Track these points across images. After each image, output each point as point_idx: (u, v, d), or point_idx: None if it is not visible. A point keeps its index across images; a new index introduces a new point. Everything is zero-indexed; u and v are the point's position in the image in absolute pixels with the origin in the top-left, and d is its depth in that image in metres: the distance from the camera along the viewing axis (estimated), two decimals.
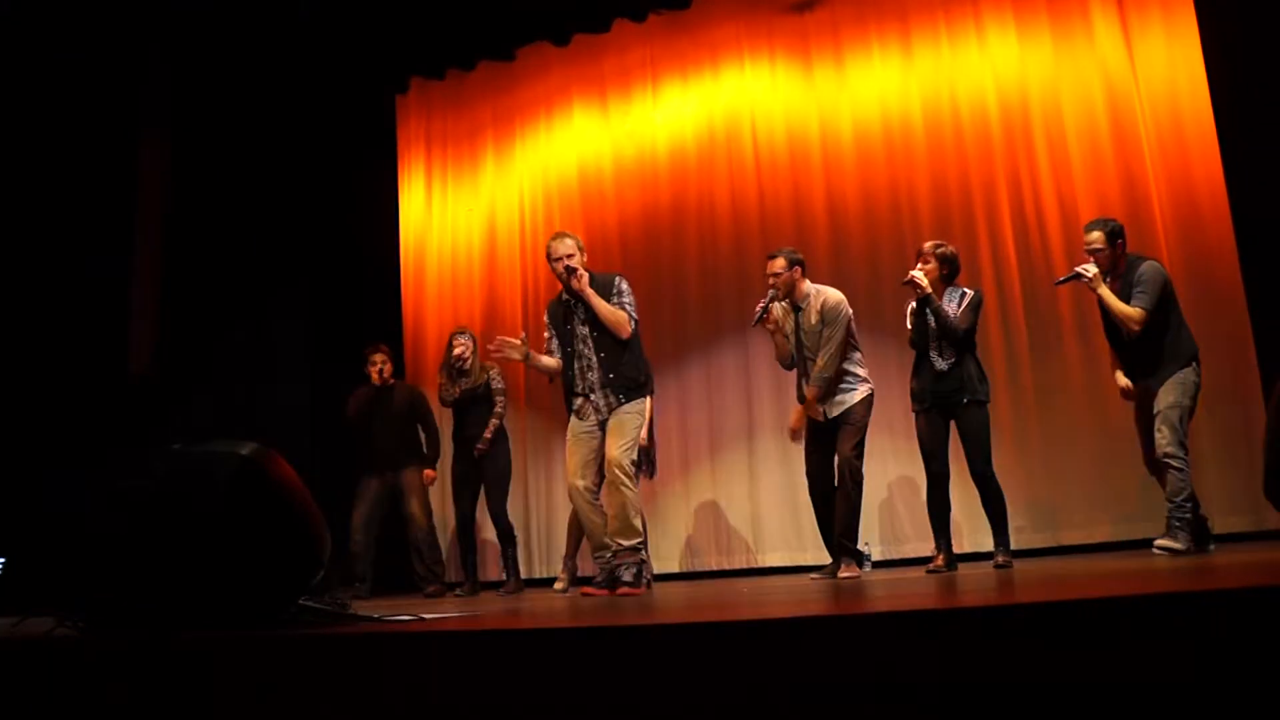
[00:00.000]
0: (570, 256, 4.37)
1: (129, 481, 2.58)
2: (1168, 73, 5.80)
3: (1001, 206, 6.10)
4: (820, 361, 4.66)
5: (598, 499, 4.45)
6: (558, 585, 5.70)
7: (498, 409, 5.99)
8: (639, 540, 4.32)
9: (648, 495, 5.91)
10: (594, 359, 4.38)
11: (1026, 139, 6.10)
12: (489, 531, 6.28)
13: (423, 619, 2.70)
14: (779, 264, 4.75)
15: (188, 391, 6.90)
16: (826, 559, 4.88)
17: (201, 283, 7.02)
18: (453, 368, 6.04)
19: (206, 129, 7.14)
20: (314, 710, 1.89)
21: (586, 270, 4.43)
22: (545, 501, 7.06)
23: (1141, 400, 4.47)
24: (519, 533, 6.57)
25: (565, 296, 4.53)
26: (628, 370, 4.39)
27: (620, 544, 4.27)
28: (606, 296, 4.38)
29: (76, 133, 6.57)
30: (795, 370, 4.89)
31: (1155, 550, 4.17)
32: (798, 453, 4.88)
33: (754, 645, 1.61)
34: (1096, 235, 4.45)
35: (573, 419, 4.49)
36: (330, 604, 2.74)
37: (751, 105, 6.91)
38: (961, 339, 4.58)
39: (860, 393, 4.69)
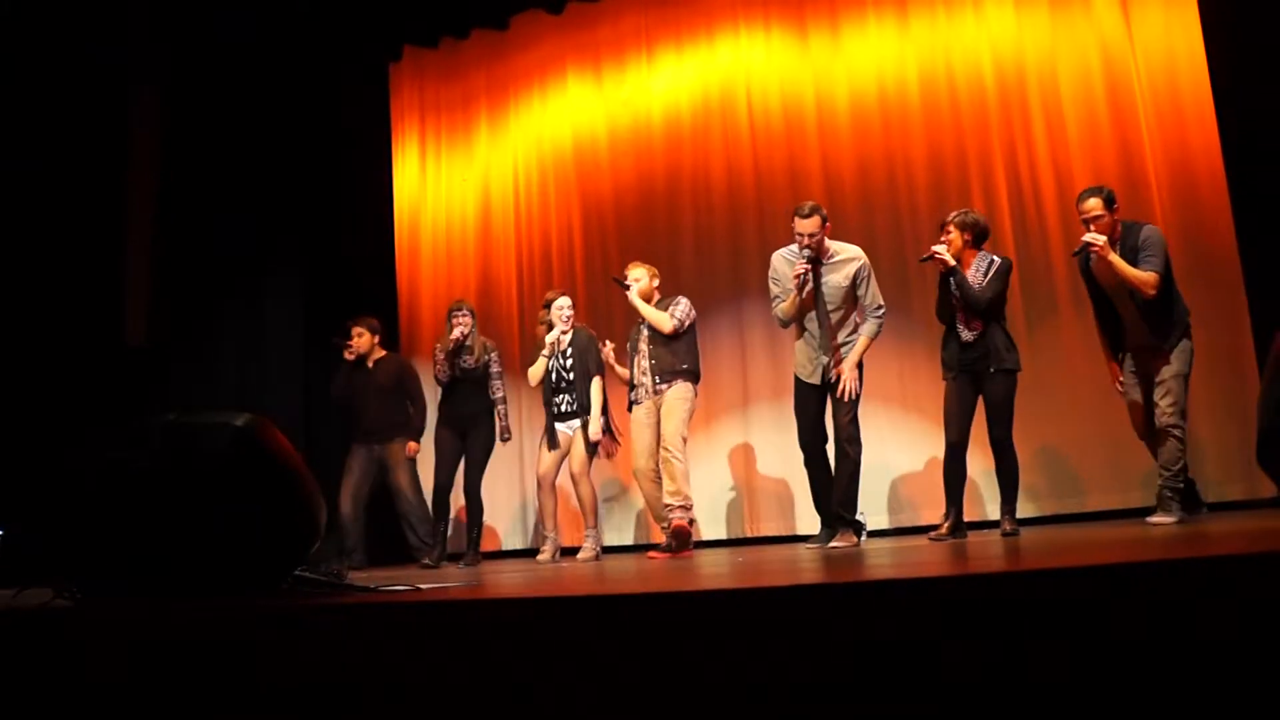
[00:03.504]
0: (638, 280, 5.47)
1: (125, 452, 2.57)
2: (1165, 42, 5.77)
3: (997, 176, 6.08)
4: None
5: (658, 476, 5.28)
6: (541, 556, 5.74)
7: (499, 396, 5.90)
8: (686, 502, 5.14)
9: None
10: (647, 349, 5.39)
11: (1023, 109, 6.08)
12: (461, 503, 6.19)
13: (419, 589, 2.70)
14: (815, 223, 4.61)
15: (183, 362, 6.88)
16: (819, 528, 4.88)
17: (195, 253, 6.99)
18: (450, 347, 5.88)
19: (198, 98, 7.08)
20: (311, 680, 1.90)
21: (656, 292, 5.54)
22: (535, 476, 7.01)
23: (1135, 368, 4.48)
24: (513, 506, 6.51)
25: None
26: (670, 359, 5.34)
27: (671, 503, 5.10)
28: (667, 306, 5.39)
29: (66, 100, 6.50)
30: (797, 330, 4.80)
31: (1150, 525, 4.18)
32: (793, 422, 4.87)
33: (758, 613, 1.61)
34: (1094, 202, 4.40)
35: (635, 408, 5.43)
36: (326, 575, 2.75)
37: (747, 74, 6.86)
38: (986, 308, 4.54)
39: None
